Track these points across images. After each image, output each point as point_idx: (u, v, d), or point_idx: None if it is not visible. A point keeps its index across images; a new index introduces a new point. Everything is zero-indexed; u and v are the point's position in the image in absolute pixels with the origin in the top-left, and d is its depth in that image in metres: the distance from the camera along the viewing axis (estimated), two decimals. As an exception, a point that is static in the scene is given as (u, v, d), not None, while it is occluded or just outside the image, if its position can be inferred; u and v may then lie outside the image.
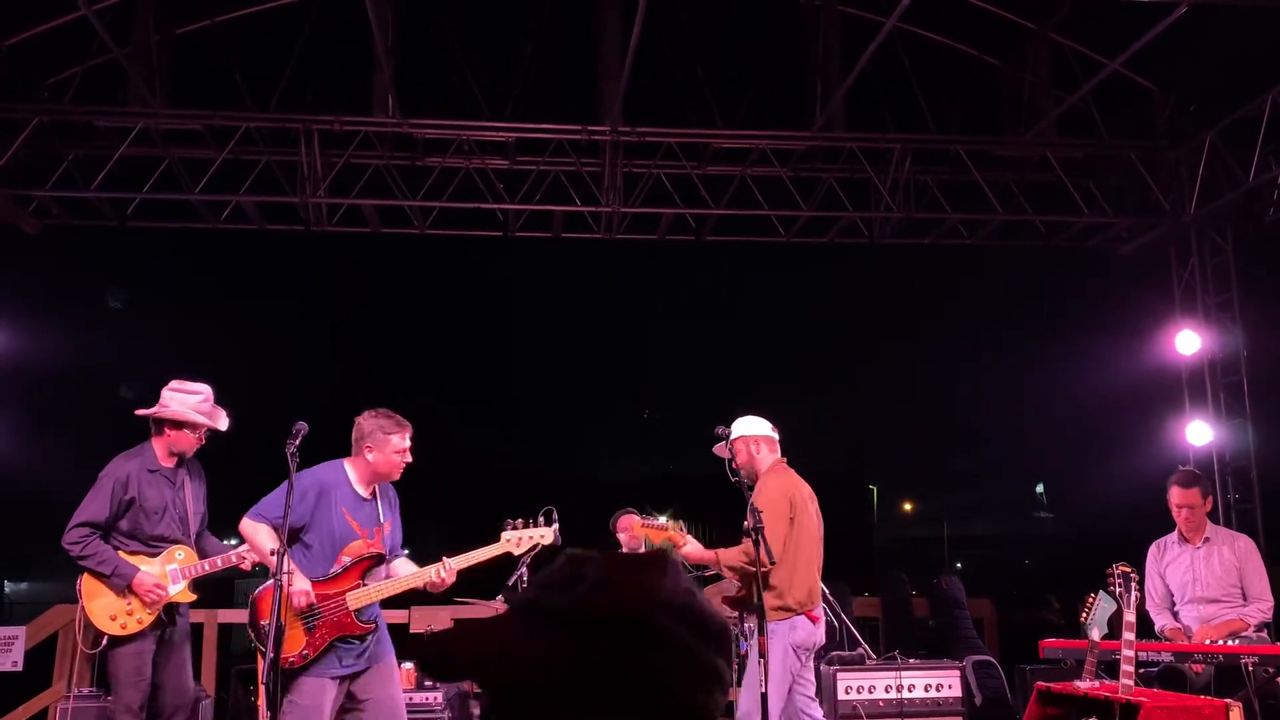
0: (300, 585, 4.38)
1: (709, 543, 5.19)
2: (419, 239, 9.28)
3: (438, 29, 8.19)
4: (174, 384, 5.35)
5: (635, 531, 5.61)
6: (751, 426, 5.29)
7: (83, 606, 5.06)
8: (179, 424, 5.29)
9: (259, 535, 4.48)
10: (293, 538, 4.42)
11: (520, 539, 4.71)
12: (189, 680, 5.46)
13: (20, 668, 7.14)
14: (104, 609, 5.06)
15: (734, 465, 5.22)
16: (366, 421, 4.64)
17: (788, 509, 5.05)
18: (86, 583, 5.08)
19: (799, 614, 5.02)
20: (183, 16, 8.29)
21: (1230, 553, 5.63)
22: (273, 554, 4.31)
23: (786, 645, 4.98)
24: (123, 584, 5.06)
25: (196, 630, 6.61)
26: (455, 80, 8.25)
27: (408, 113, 8.13)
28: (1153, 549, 5.92)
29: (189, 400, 5.33)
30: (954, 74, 8.97)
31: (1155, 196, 8.97)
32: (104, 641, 5.06)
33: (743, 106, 8.44)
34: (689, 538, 5.05)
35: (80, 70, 8.07)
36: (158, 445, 5.32)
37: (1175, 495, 5.73)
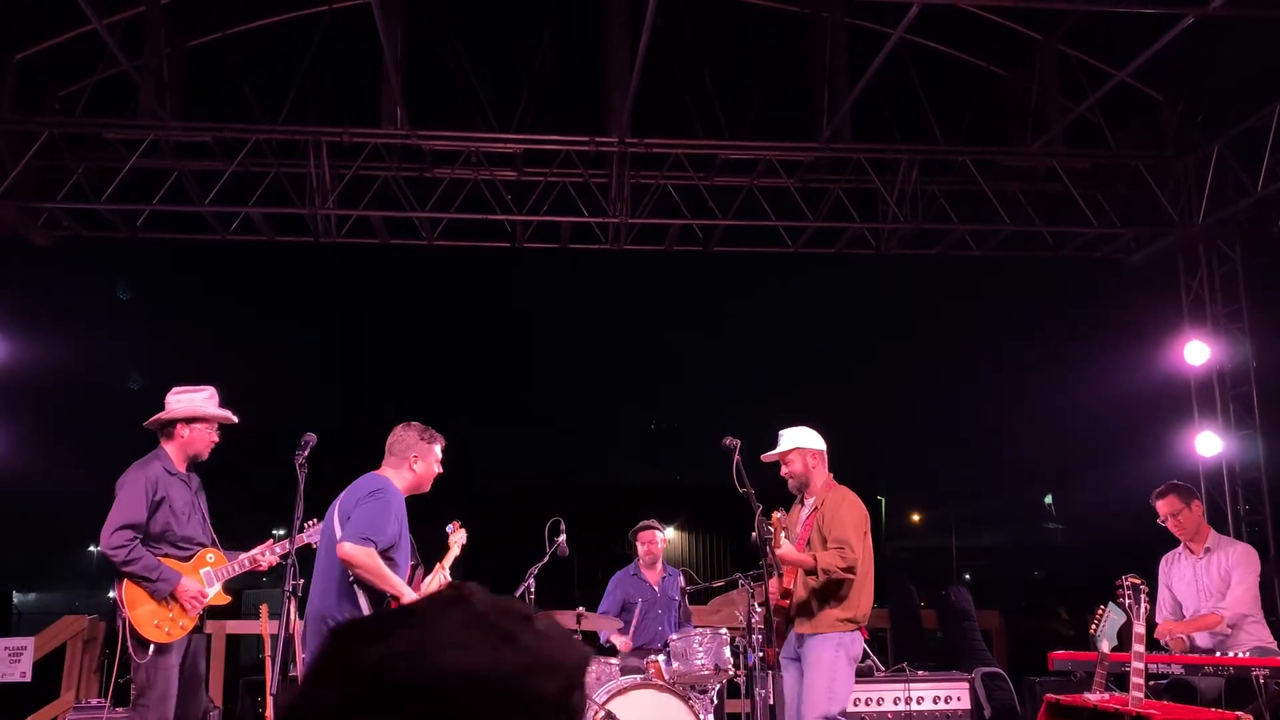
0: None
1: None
2: (427, 250, 9.32)
3: (446, 41, 8.22)
4: (176, 389, 5.23)
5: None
6: (812, 440, 5.30)
7: (127, 616, 4.90)
8: (192, 420, 5.17)
9: (384, 565, 4.29)
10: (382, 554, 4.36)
11: (459, 540, 5.46)
12: (204, 695, 5.40)
13: (29, 678, 7.13)
14: (148, 616, 4.93)
15: (784, 473, 5.27)
16: (407, 433, 4.62)
17: (866, 525, 5.16)
18: (129, 590, 4.92)
19: (859, 628, 5.05)
20: (193, 30, 8.36)
21: (1225, 559, 5.61)
22: (351, 582, 4.28)
23: (849, 657, 4.98)
24: (167, 590, 4.93)
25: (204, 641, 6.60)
26: (463, 92, 8.29)
27: (416, 124, 8.17)
28: (1163, 561, 5.92)
29: (196, 398, 5.22)
30: (961, 85, 8.97)
31: (1163, 207, 8.95)
32: (151, 650, 4.90)
33: (750, 117, 8.46)
34: (785, 541, 5.03)
35: (91, 83, 8.13)
36: (172, 450, 5.17)
37: (1158, 509, 5.75)
